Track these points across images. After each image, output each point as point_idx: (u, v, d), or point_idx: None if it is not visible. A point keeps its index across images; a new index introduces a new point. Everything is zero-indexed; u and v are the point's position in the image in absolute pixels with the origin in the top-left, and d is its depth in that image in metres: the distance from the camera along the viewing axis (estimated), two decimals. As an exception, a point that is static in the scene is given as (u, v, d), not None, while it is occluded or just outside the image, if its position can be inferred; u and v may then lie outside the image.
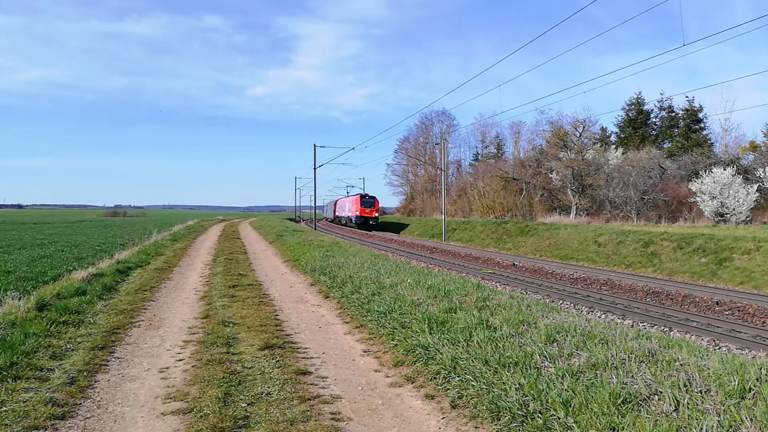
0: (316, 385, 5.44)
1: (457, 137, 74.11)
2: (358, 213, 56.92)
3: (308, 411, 4.67)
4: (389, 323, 7.25)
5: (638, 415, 3.70)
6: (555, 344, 5.29)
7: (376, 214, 57.52)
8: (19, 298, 8.12)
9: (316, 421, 4.49)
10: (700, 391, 3.91)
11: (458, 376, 5.04)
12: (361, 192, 62.73)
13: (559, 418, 3.87)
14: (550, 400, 4.09)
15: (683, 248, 22.01)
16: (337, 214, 72.62)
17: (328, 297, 10.52)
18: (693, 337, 9.49)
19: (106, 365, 5.93)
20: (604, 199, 39.47)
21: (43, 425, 4.27)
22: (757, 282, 17.52)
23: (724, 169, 30.30)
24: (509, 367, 4.83)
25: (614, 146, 48.48)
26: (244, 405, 4.74)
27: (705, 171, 31.46)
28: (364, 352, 6.73)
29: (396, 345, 6.50)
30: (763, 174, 31.55)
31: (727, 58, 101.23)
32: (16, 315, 7.25)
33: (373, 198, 58.55)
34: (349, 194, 72.28)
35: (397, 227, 58.67)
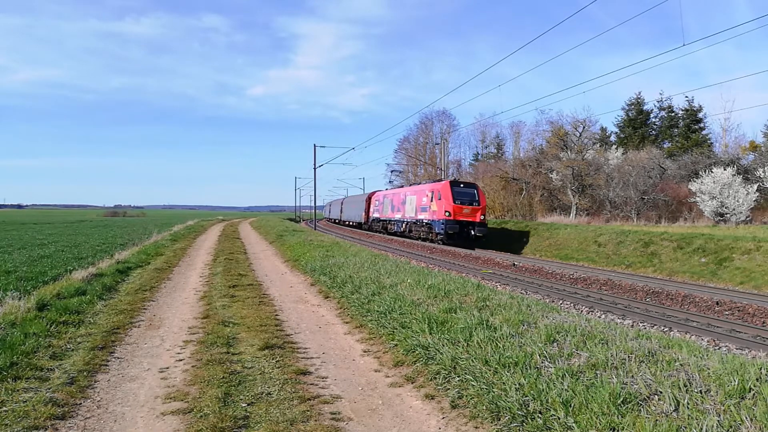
0: (316, 385, 5.44)
1: (457, 137, 74.09)
2: (448, 215, 30.05)
3: (308, 411, 4.67)
4: (389, 323, 7.25)
5: (638, 415, 3.70)
6: (555, 344, 5.29)
7: (483, 217, 30.84)
8: (19, 298, 8.11)
9: (316, 421, 4.49)
10: (700, 391, 3.91)
11: (458, 376, 5.05)
12: (450, 178, 37.38)
13: (559, 418, 3.87)
14: (550, 400, 4.09)
15: (683, 248, 22.01)
16: (375, 215, 45.50)
17: (328, 297, 10.52)
18: (693, 337, 9.48)
19: (106, 365, 5.93)
20: (604, 199, 39.45)
21: (43, 425, 4.27)
22: (757, 282, 17.52)
23: (724, 169, 30.29)
24: (509, 367, 4.83)
25: (614, 146, 48.51)
26: (244, 405, 4.74)
27: (705, 171, 31.45)
28: (364, 352, 6.73)
29: (396, 345, 6.50)
30: (763, 174, 31.54)
31: (727, 58, 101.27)
32: (16, 315, 7.25)
33: (474, 187, 32.64)
34: (394, 183, 47.99)
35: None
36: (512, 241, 33.56)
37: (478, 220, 30.42)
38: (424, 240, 33.26)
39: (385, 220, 42.34)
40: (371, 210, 47.37)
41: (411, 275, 10.65)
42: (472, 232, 30.04)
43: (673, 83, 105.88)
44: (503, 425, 4.12)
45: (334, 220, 69.53)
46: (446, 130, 70.73)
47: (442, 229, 30.37)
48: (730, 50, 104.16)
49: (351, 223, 57.18)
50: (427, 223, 33.08)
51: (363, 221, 49.45)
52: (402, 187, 43.64)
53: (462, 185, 32.17)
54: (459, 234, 29.99)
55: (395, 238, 38.06)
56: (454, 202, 30.21)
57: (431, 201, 32.42)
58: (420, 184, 39.27)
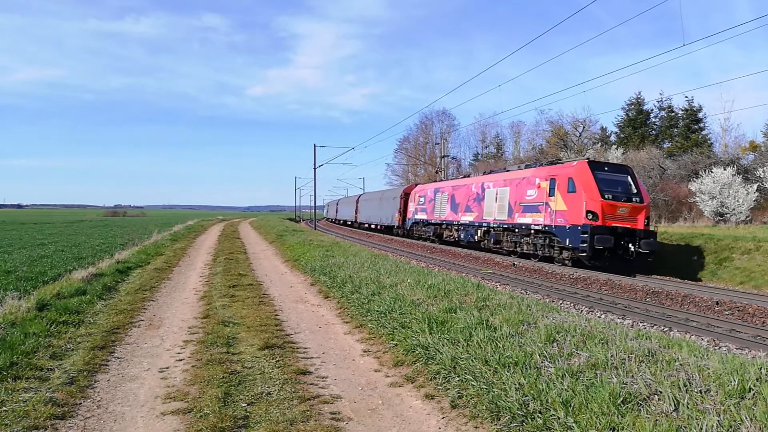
0: (316, 385, 5.44)
1: (457, 137, 74.29)
2: (592, 218, 17.58)
3: (308, 411, 4.67)
4: (389, 323, 7.25)
5: (638, 415, 3.70)
6: (555, 344, 5.30)
7: (647, 222, 18.57)
8: (19, 298, 8.11)
9: (316, 421, 4.49)
10: (700, 391, 3.92)
11: (458, 376, 5.05)
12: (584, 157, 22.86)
13: (559, 418, 3.88)
14: (550, 400, 4.09)
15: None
16: (419, 216, 33.33)
17: (328, 297, 10.52)
18: (693, 337, 9.48)
19: (106, 365, 5.93)
20: (604, 199, 39.41)
21: (43, 425, 4.27)
22: (757, 282, 17.52)
23: (724, 169, 30.27)
24: (509, 367, 4.83)
25: (614, 146, 48.48)
26: (244, 405, 4.74)
27: (705, 171, 31.43)
28: (364, 352, 6.74)
29: (396, 345, 6.50)
30: (762, 174, 31.52)
31: (727, 57, 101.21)
32: (16, 315, 7.25)
33: (628, 171, 19.62)
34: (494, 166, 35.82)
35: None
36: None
37: (641, 226, 18.38)
38: (527, 257, 21.20)
39: (438, 224, 30.15)
40: (411, 210, 35.06)
41: (411, 275, 10.65)
42: (632, 247, 18.12)
43: (673, 83, 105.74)
44: (503, 425, 4.12)
45: (344, 221, 60.13)
46: (446, 130, 70.91)
47: (584, 241, 17.71)
48: (731, 50, 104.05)
49: (375, 227, 43.83)
50: (541, 231, 20.37)
51: (396, 224, 37.72)
52: (468, 176, 30.53)
53: (607, 168, 19.47)
54: (615, 250, 18.02)
55: (395, 238, 34.23)
56: (602, 197, 17.86)
57: (549, 194, 19.69)
58: (508, 170, 25.56)
